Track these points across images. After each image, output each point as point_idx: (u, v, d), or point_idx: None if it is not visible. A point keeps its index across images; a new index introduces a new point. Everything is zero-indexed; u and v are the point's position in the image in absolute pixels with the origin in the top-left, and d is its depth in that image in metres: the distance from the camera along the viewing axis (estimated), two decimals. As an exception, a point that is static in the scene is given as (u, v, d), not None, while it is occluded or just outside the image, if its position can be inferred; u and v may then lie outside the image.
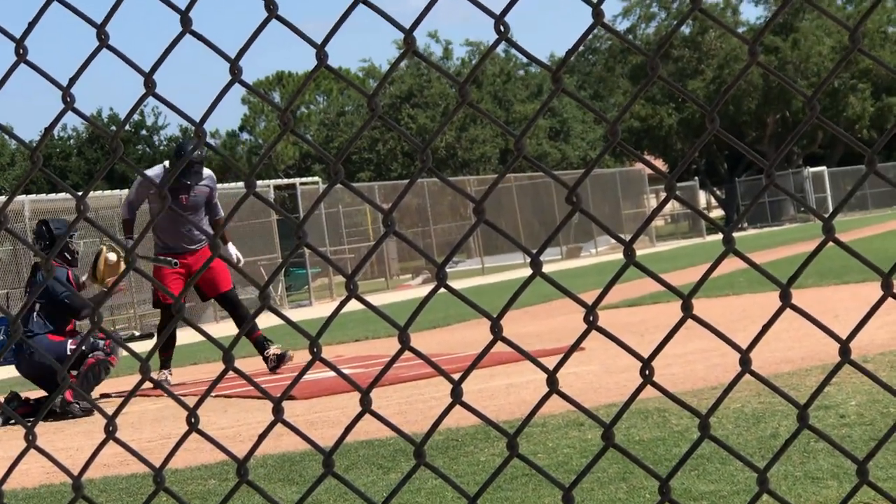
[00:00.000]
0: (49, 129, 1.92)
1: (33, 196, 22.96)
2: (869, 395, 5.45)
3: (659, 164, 57.21)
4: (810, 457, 4.33)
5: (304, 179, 32.98)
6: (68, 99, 1.81)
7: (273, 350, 10.54)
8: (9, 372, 13.13)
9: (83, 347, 8.90)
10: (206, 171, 10.55)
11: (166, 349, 10.41)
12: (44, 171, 1.84)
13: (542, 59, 1.74)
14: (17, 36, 1.83)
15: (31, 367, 9.20)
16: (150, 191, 10.25)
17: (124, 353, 9.70)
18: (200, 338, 14.51)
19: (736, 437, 4.92)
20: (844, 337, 1.67)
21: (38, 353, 8.28)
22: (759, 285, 12.74)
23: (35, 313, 9.18)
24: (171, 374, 10.42)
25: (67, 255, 9.49)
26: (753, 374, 1.69)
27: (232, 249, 10.79)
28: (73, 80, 1.82)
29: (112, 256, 9.75)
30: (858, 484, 1.71)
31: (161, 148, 56.12)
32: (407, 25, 1.72)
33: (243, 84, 1.76)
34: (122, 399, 1.85)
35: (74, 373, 9.09)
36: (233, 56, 1.75)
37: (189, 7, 1.76)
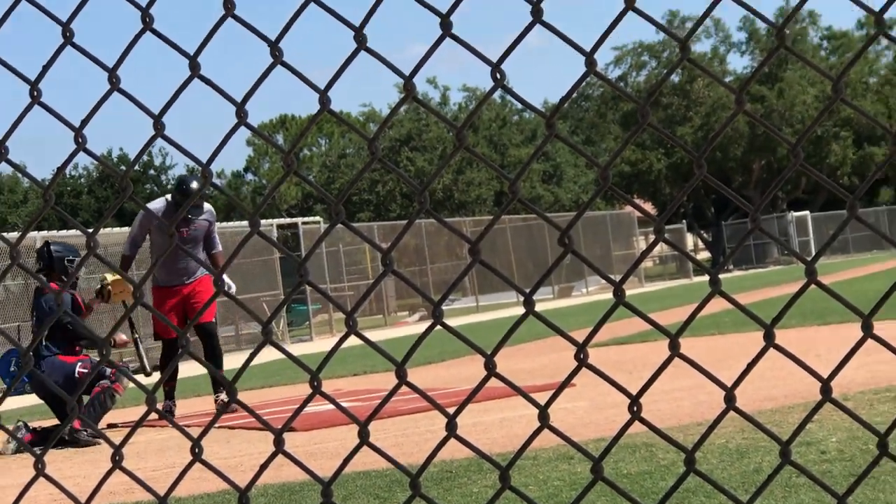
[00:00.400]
0: (61, 169, 1.97)
1: (45, 232, 23.06)
2: (849, 432, 5.49)
3: (648, 207, 57.32)
4: (792, 491, 4.36)
5: (306, 219, 33.04)
6: (80, 140, 1.86)
7: (223, 396, 10.58)
8: (18, 402, 13.10)
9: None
10: (206, 206, 10.70)
11: (170, 380, 10.54)
12: (55, 209, 1.88)
13: (536, 106, 1.79)
14: (32, 79, 1.89)
15: (42, 386, 9.30)
16: (153, 222, 10.38)
17: (130, 384, 9.79)
18: (204, 370, 14.49)
19: (720, 472, 4.94)
20: (826, 376, 1.70)
21: (47, 380, 8.34)
22: (743, 325, 12.78)
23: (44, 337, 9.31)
24: (174, 406, 10.51)
25: (65, 278, 9.67)
26: (738, 410, 1.71)
27: (225, 279, 10.84)
28: (84, 122, 1.87)
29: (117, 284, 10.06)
30: (838, 517, 1.74)
31: (168, 187, 56.61)
32: (407, 72, 1.76)
33: (249, 127, 1.80)
34: (129, 429, 1.89)
35: (85, 397, 9.21)
36: (239, 100, 1.80)
37: (198, 52, 1.81)
